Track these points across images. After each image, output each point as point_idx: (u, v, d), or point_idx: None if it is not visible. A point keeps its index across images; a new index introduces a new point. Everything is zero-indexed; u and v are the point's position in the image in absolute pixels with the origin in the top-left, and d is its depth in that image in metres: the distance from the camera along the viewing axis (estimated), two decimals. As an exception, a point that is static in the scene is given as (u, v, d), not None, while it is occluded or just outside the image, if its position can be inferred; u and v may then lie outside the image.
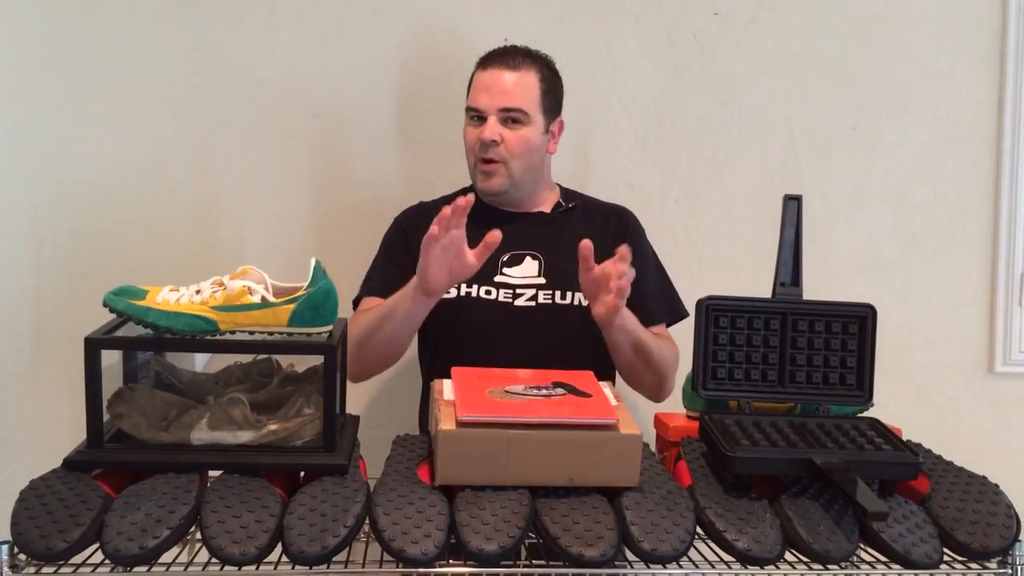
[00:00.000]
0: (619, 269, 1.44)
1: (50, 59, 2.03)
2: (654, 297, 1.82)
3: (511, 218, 1.80)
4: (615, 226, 1.83)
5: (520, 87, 1.73)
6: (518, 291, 1.74)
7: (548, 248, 1.78)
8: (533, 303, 1.73)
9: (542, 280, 1.75)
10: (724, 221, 2.21)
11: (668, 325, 1.83)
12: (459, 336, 1.73)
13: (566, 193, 1.88)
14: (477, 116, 1.74)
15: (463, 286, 1.73)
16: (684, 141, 2.19)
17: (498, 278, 1.74)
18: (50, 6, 2.02)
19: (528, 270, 1.76)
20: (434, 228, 1.43)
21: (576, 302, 1.74)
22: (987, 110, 2.22)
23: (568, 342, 1.72)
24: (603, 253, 1.79)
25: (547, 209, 1.84)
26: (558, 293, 1.74)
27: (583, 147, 2.16)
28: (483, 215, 1.81)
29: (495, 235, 1.46)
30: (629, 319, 1.59)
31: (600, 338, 1.76)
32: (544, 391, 1.32)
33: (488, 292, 1.74)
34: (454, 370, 1.41)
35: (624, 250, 1.44)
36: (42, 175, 2.06)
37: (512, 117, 1.72)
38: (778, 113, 2.20)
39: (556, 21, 2.14)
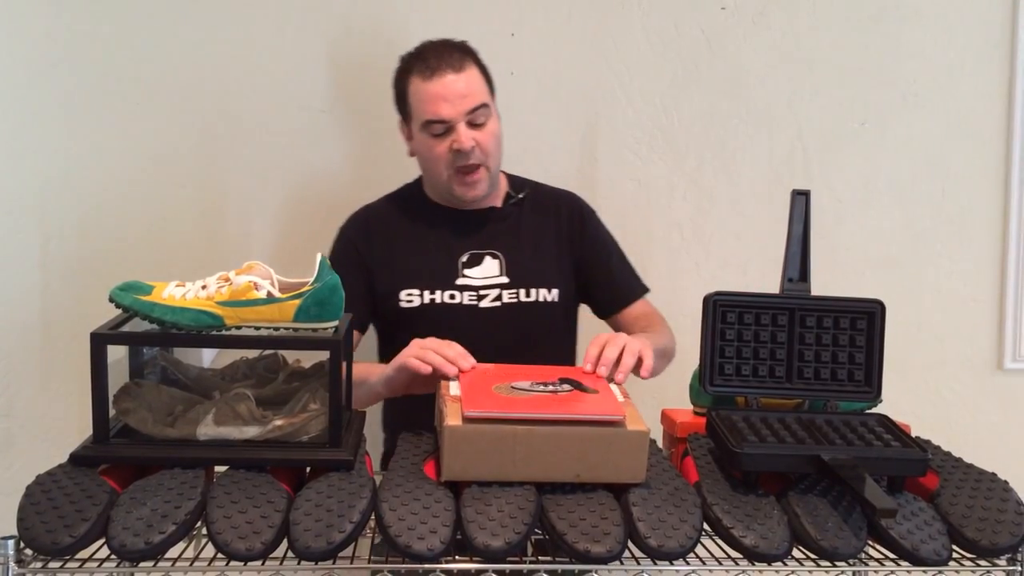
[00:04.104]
0: (607, 368, 1.42)
1: (55, 56, 2.04)
2: (624, 276, 1.84)
3: (464, 217, 1.78)
4: (568, 214, 1.83)
5: (473, 83, 1.69)
6: (482, 292, 1.73)
7: (507, 245, 1.76)
8: (498, 303, 1.72)
9: (505, 279, 1.74)
10: (732, 217, 2.20)
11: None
12: None
13: (513, 181, 1.85)
14: (441, 128, 1.67)
15: (427, 292, 1.72)
16: (691, 136, 2.18)
17: (460, 280, 1.73)
18: (55, 3, 2.02)
19: (489, 270, 1.75)
20: (426, 368, 1.40)
21: (540, 299, 1.74)
22: (997, 105, 2.21)
23: (536, 340, 1.71)
24: (558, 241, 1.79)
25: (498, 203, 1.81)
26: (522, 291, 1.74)
27: (590, 143, 2.16)
28: (434, 215, 1.80)
29: None
30: (650, 343, 1.54)
31: (566, 333, 1.79)
32: (551, 387, 1.32)
33: (452, 296, 1.72)
34: None
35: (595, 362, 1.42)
36: (48, 171, 2.06)
37: (478, 117, 1.68)
38: (786, 108, 2.19)
39: (563, 16, 2.13)
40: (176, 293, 1.28)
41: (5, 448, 2.08)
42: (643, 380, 1.48)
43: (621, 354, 1.43)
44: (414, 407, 1.51)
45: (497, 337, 1.64)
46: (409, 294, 1.73)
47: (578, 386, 1.33)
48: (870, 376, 1.43)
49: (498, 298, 1.72)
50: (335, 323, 1.32)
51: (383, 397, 1.55)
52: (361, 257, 1.76)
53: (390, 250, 1.76)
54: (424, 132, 1.70)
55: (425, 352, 1.42)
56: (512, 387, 1.31)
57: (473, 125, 1.68)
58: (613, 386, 1.37)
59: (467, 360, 1.41)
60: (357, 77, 2.09)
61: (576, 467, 1.23)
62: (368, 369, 1.57)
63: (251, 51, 2.07)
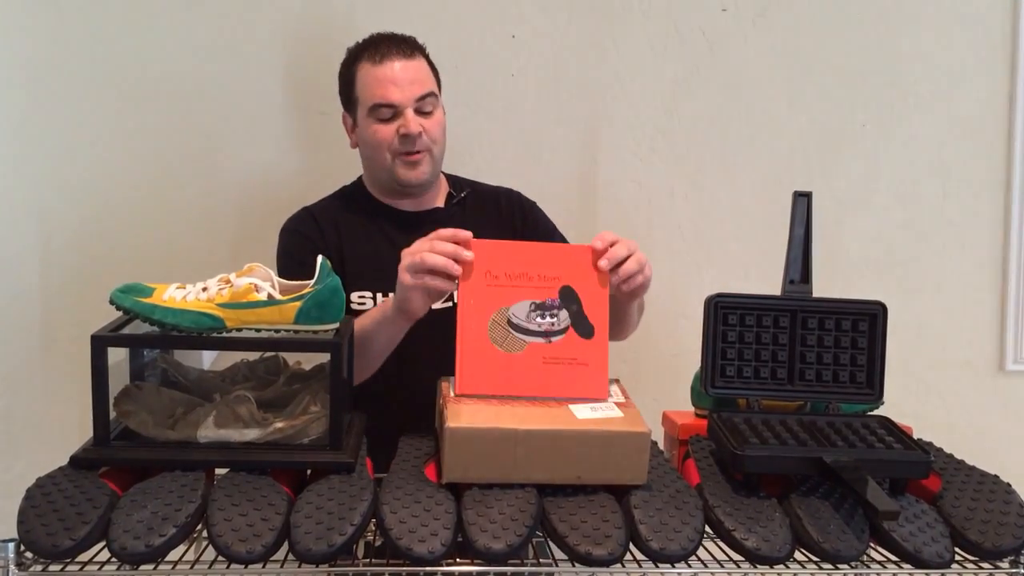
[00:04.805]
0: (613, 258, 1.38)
1: (55, 56, 2.04)
2: None
3: (409, 217, 1.78)
4: (509, 208, 1.84)
5: (423, 72, 1.72)
6: None
7: None
8: (450, 303, 1.70)
9: None
10: (733, 218, 2.20)
11: None
12: None
13: (453, 182, 1.86)
14: (389, 112, 1.69)
15: (379, 295, 1.72)
16: (692, 138, 2.18)
17: None
18: (55, 3, 2.02)
19: None
20: (448, 285, 1.38)
21: None
22: (998, 105, 2.21)
23: None
24: (501, 237, 1.77)
25: (441, 203, 1.82)
26: None
27: (591, 145, 2.15)
28: (379, 215, 1.79)
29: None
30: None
31: None
32: (548, 320, 1.33)
33: None
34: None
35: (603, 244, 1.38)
36: (48, 173, 2.06)
37: (426, 105, 1.70)
38: (787, 109, 2.19)
39: (563, 17, 2.13)
40: (176, 295, 1.28)
41: (5, 450, 2.07)
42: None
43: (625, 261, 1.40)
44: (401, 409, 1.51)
45: (448, 337, 1.59)
46: (361, 296, 1.72)
47: (577, 320, 1.34)
48: (872, 378, 1.43)
49: (449, 298, 1.71)
50: (335, 325, 1.32)
51: (405, 329, 1.51)
52: (317, 251, 1.72)
53: (339, 250, 1.75)
54: (371, 117, 1.71)
55: (421, 278, 1.38)
56: (510, 323, 1.33)
57: (421, 113, 1.70)
58: (613, 387, 1.37)
59: (463, 252, 1.37)
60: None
61: (577, 469, 1.23)
62: (380, 311, 1.54)
63: (253, 53, 2.07)
